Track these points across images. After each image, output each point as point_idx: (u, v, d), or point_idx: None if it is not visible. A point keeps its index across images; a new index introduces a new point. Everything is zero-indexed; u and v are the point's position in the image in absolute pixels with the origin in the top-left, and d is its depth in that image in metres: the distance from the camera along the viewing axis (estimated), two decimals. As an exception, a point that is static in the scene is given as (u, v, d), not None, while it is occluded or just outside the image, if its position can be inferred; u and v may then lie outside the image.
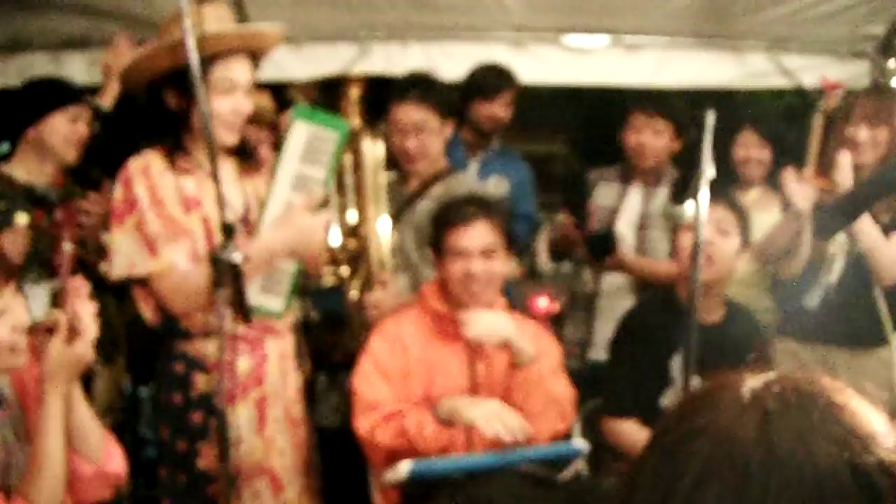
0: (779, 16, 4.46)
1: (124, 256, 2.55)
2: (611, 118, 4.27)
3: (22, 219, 2.92)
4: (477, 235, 2.80)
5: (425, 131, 3.27)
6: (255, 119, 3.74)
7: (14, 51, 4.98)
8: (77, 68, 5.06)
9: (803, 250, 3.32)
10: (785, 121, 4.76)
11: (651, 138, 3.84)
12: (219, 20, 2.61)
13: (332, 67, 4.39)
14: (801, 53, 4.71)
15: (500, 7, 4.50)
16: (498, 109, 4.11)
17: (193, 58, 2.26)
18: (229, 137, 2.65)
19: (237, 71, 2.64)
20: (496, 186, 4.06)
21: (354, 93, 3.13)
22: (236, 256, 2.33)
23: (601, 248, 3.82)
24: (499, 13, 4.55)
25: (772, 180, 3.77)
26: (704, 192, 2.55)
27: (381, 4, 4.51)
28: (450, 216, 2.87)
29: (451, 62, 4.40)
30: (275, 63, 4.78)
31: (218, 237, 2.45)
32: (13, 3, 4.67)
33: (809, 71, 4.64)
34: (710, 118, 2.59)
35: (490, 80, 4.12)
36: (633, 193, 3.96)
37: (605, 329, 3.67)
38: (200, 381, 2.68)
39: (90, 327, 2.04)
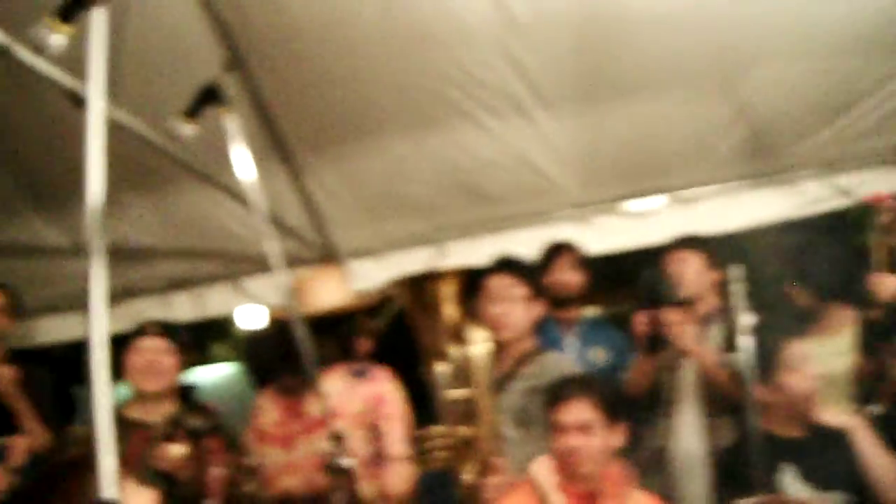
0: (825, 138, 4.50)
1: None
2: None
3: (178, 450, 3.22)
4: (574, 412, 2.98)
5: (510, 300, 3.50)
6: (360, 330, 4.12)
7: (126, 297, 5.45)
8: (184, 307, 5.51)
9: None
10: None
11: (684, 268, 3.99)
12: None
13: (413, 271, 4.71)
14: (855, 170, 4.69)
15: (558, 189, 4.79)
16: (562, 274, 4.35)
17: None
18: None
19: None
20: (596, 358, 4.22)
21: (448, 287, 3.35)
22: (347, 462, 2.58)
23: None
24: (558, 195, 4.83)
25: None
26: (747, 339, 2.72)
27: (449, 206, 4.88)
28: (551, 395, 3.07)
29: (522, 248, 4.56)
30: (360, 275, 5.21)
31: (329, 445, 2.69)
32: (122, 255, 5.14)
33: (867, 186, 4.57)
34: (736, 271, 2.78)
35: (546, 251, 4.42)
36: None
37: None
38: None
39: None
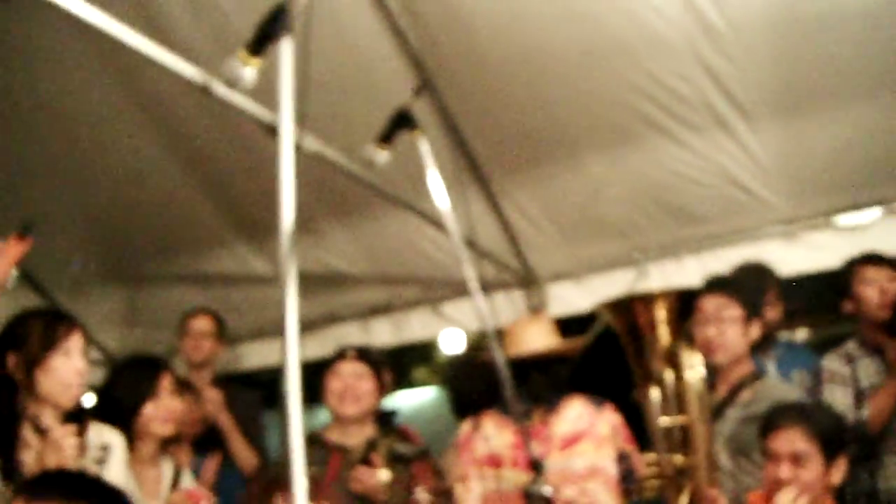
0: None
1: None
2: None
3: (384, 476, 3.27)
4: (787, 441, 2.82)
5: (725, 321, 3.37)
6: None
7: (327, 323, 5.59)
8: (383, 333, 5.61)
9: None
10: None
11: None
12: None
13: (613, 294, 4.61)
14: None
15: (765, 204, 4.58)
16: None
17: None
18: None
19: None
20: (801, 381, 4.00)
21: (661, 310, 3.26)
22: (547, 490, 2.53)
23: None
24: (764, 211, 4.62)
25: None
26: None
27: (649, 226, 4.77)
28: (766, 421, 2.92)
29: (726, 268, 4.42)
30: (559, 298, 5.15)
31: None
32: (323, 282, 5.30)
33: None
34: None
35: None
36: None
37: None
38: None
39: None
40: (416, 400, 10.35)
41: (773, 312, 4.13)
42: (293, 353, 1.75)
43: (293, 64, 1.98)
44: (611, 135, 4.37)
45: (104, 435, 2.91)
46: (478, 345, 5.42)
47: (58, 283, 5.36)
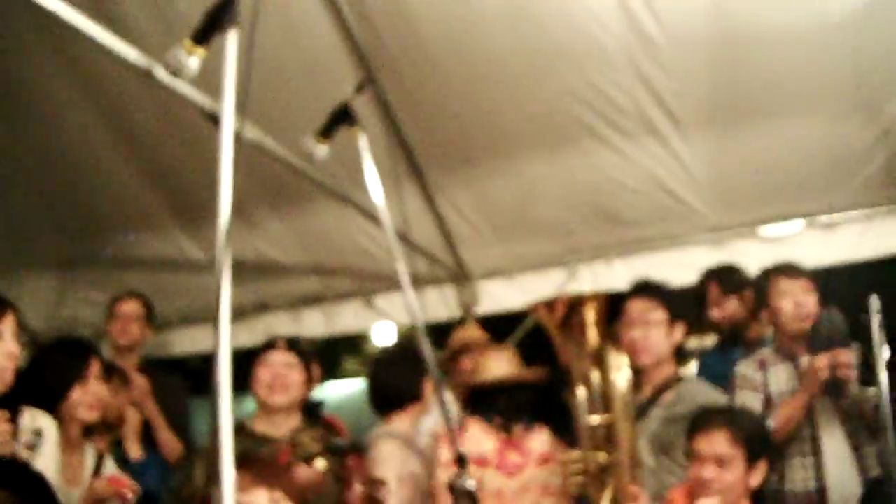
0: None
1: None
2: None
3: (321, 464, 3.27)
4: (712, 443, 2.90)
5: (650, 324, 3.45)
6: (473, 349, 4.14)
7: (258, 312, 5.59)
8: (315, 324, 5.62)
9: None
10: None
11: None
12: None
13: (544, 293, 4.68)
14: None
15: (693, 212, 4.72)
16: (714, 311, 4.24)
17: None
18: None
19: None
20: None
21: (590, 312, 3.31)
22: (471, 484, 2.59)
23: None
24: (694, 218, 4.76)
25: None
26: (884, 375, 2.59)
27: (581, 228, 4.87)
28: (692, 423, 3.01)
29: (655, 272, 4.44)
30: (491, 295, 5.22)
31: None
32: (256, 270, 5.28)
33: None
34: (875, 303, 2.65)
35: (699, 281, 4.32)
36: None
37: None
38: None
39: None
40: (345, 391, 10.33)
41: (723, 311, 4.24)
42: (225, 343, 1.73)
43: (237, 55, 1.99)
44: (547, 137, 4.46)
45: (38, 420, 2.87)
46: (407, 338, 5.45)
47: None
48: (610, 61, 4.01)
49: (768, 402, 3.65)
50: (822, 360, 3.40)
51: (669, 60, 3.97)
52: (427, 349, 2.71)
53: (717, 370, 3.96)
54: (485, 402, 3.58)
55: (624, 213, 4.77)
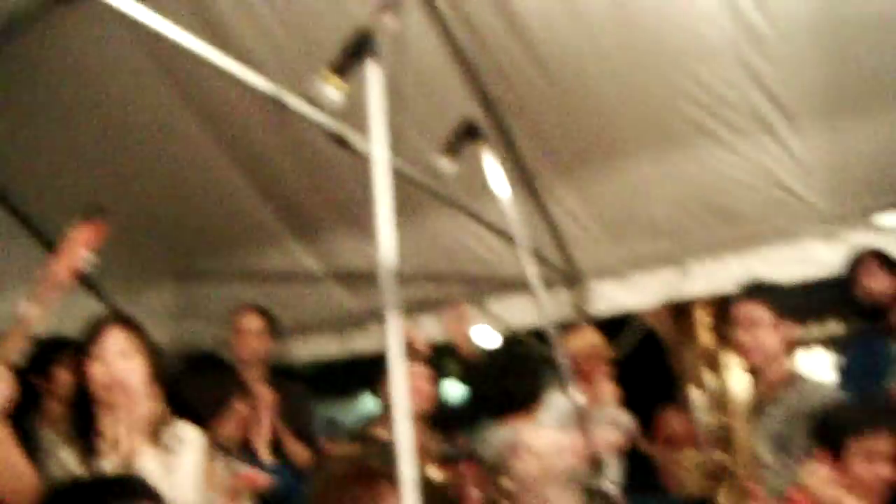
0: None
1: None
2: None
3: (433, 472, 3.37)
4: (888, 443, 2.94)
5: (756, 325, 3.49)
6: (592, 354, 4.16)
7: (374, 319, 5.68)
8: (429, 328, 5.67)
9: None
10: None
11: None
12: None
13: (657, 292, 4.69)
14: None
15: (806, 205, 4.63)
16: (870, 280, 4.25)
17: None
18: None
19: None
20: None
21: (702, 315, 3.35)
22: (610, 487, 2.63)
23: None
24: (806, 211, 4.66)
25: None
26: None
27: (692, 226, 4.83)
28: (855, 422, 3.01)
29: (769, 267, 4.53)
30: (603, 296, 5.23)
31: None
32: (370, 280, 5.37)
33: None
34: None
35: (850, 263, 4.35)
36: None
37: None
38: None
39: None
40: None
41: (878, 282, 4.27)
42: (400, 380, 1.81)
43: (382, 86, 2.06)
44: (656, 136, 4.46)
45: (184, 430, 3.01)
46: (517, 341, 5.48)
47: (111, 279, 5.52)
48: (717, 58, 3.99)
49: None
50: None
51: (777, 52, 3.92)
52: (558, 351, 2.77)
53: (862, 361, 3.98)
54: None
55: (735, 208, 4.71)
